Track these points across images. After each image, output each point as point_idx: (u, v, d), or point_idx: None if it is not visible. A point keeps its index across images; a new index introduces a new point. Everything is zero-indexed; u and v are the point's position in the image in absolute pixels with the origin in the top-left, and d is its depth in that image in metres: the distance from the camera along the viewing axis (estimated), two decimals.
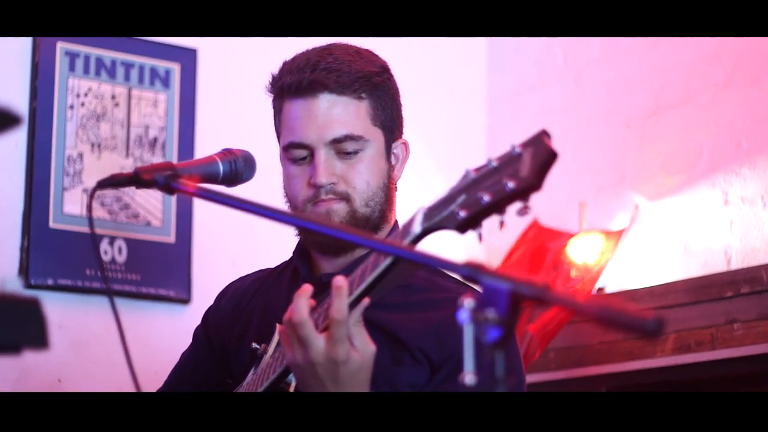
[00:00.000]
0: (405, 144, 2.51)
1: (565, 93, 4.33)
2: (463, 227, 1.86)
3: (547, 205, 4.24)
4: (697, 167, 3.85)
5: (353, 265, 2.36)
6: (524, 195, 1.77)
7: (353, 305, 2.12)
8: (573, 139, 4.27)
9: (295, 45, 4.26)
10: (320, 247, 2.45)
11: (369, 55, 2.48)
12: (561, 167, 4.25)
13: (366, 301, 2.13)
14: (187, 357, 2.68)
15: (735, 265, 3.68)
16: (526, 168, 1.76)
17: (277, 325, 2.25)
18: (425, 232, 1.95)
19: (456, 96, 4.53)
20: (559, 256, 3.92)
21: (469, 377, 1.55)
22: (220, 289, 2.69)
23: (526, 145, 1.79)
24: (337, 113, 2.39)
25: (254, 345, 2.38)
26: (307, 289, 2.16)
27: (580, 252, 3.91)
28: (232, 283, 2.69)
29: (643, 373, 3.78)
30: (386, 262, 2.07)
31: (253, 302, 2.57)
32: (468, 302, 1.57)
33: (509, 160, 1.80)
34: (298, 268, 2.50)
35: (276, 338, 2.33)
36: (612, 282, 3.99)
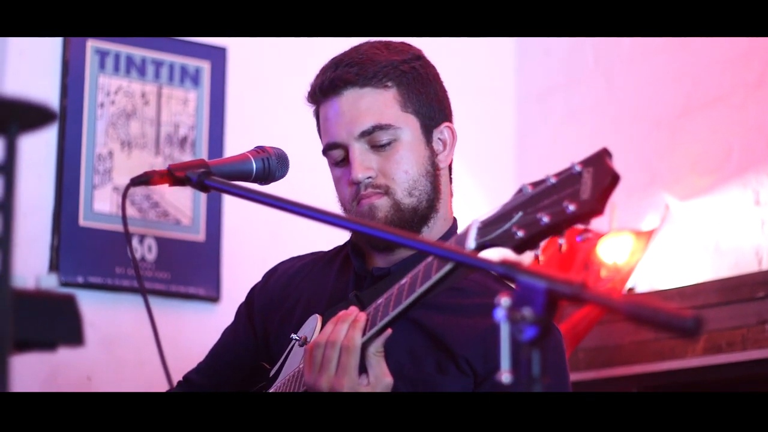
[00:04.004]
0: (450, 128, 2.43)
1: (594, 93, 4.31)
2: (520, 248, 1.79)
3: None
4: (727, 167, 3.83)
5: (406, 262, 2.34)
6: (585, 219, 1.71)
7: (378, 334, 2.12)
8: (602, 139, 4.25)
9: (324, 44, 4.26)
10: (369, 244, 2.40)
11: (399, 46, 2.43)
12: None
13: (388, 332, 2.12)
14: (227, 335, 2.63)
15: (766, 265, 3.66)
16: (588, 190, 1.69)
17: (306, 345, 2.25)
18: (480, 248, 1.87)
19: (484, 96, 4.51)
20: (590, 256, 3.90)
21: (505, 376, 1.54)
22: (249, 287, 2.65)
23: (586, 163, 1.72)
24: (362, 106, 2.34)
25: (293, 336, 2.34)
26: (350, 313, 2.17)
27: (610, 252, 3.89)
28: (282, 262, 2.63)
29: (674, 374, 3.76)
30: (413, 296, 2.04)
31: (301, 287, 2.52)
32: (505, 300, 1.56)
33: (568, 179, 1.73)
34: (351, 259, 2.45)
35: (317, 332, 2.31)
36: (642, 282, 3.97)
